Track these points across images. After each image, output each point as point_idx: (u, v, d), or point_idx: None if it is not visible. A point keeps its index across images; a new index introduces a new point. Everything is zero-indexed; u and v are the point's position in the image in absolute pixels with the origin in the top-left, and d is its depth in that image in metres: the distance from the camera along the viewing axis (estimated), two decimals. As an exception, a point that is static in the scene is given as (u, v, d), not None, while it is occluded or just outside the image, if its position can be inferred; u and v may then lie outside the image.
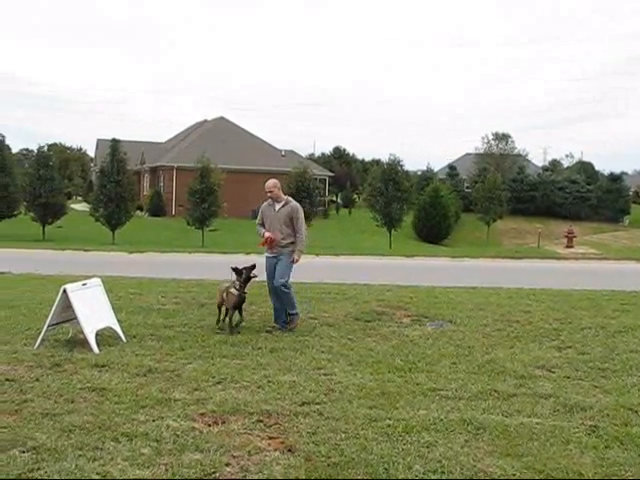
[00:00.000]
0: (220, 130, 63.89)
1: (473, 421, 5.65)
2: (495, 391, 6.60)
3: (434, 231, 52.87)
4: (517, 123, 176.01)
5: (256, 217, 10.19)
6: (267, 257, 9.81)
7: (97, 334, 8.25)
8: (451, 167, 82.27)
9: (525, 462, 4.82)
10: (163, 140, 76.79)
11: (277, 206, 9.80)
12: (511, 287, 15.17)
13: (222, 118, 67.80)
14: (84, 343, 8.08)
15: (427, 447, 5.08)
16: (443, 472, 4.64)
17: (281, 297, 9.61)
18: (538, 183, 72.17)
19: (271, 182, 9.93)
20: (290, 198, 10.03)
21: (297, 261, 9.69)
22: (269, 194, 9.85)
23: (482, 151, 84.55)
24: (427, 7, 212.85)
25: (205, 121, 71.24)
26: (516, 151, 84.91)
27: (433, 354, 8.20)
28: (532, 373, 7.36)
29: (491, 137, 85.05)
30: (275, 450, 5.00)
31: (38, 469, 4.56)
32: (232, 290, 9.36)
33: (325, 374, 7.14)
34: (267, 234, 9.65)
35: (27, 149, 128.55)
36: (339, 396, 6.36)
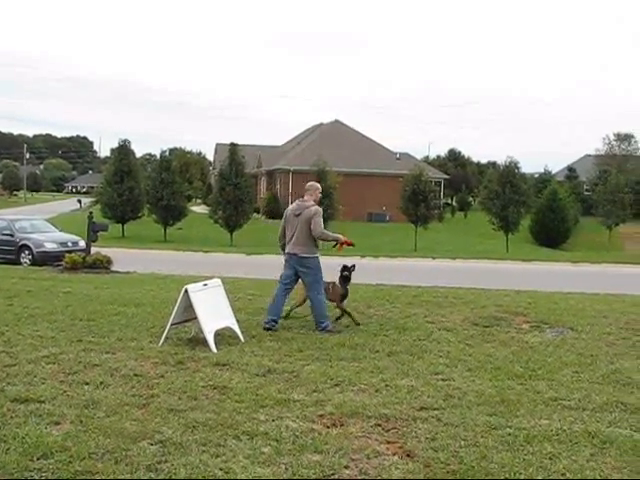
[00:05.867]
0: (335, 133, 64.34)
1: (598, 434, 5.43)
2: (622, 403, 6.33)
3: (552, 235, 51.30)
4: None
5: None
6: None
7: (217, 334, 8.46)
8: (570, 169, 79.84)
9: (657, 481, 4.60)
10: (280, 143, 78.03)
11: None
12: (636, 294, 14.55)
13: (337, 121, 68.26)
14: (205, 342, 8.31)
15: (550, 459, 4.93)
16: (567, 486, 4.50)
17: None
18: (665, 185, 68.81)
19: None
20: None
21: None
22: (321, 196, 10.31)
23: (603, 152, 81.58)
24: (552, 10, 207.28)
25: (321, 124, 71.86)
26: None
27: (554, 362, 7.96)
28: (662, 386, 7.02)
29: (613, 138, 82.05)
30: (394, 454, 4.99)
31: (165, 461, 4.73)
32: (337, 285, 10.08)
33: (443, 379, 7.06)
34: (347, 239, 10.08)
35: (150, 154, 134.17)
36: (458, 402, 6.27)
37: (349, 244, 10.08)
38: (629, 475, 4.69)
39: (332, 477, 4.59)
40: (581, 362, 7.98)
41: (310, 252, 9.76)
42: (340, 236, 10.03)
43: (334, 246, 10.18)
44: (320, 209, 9.91)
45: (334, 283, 10.15)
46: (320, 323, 9.56)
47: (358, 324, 9.86)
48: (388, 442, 5.24)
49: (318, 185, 10.30)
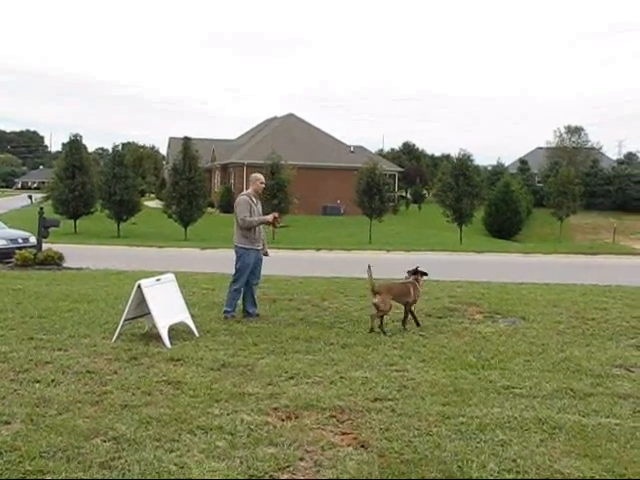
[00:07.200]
0: (289, 127, 64.22)
1: (548, 420, 5.55)
2: (571, 390, 6.47)
3: (505, 226, 52.03)
4: (590, 116, 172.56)
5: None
6: (252, 250, 9.98)
7: (171, 329, 8.41)
8: (522, 161, 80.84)
9: (604, 465, 4.70)
10: (234, 137, 77.60)
11: (257, 201, 10.24)
12: (586, 284, 14.84)
13: (291, 115, 68.11)
14: (159, 337, 8.25)
15: (501, 446, 5.02)
16: (518, 472, 4.58)
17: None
18: (613, 177, 70.28)
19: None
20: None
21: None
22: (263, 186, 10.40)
23: (554, 145, 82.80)
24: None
25: (275, 118, 71.65)
26: (589, 144, 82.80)
27: (506, 351, 8.08)
28: (610, 372, 7.18)
29: (563, 130, 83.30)
30: (348, 446, 5.02)
31: (119, 458, 4.69)
32: (418, 286, 9.79)
33: (397, 370, 7.13)
34: (274, 214, 10.20)
35: (102, 148, 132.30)
36: (412, 392, 6.34)
37: (277, 218, 10.16)
38: (577, 458, 4.79)
39: (287, 469, 4.60)
40: (532, 351, 8.13)
41: (237, 241, 10.00)
42: (267, 217, 10.13)
43: (270, 225, 10.29)
44: (242, 198, 10.02)
45: (414, 284, 9.80)
46: (226, 309, 9.99)
47: (418, 325, 9.57)
48: (343, 433, 5.28)
49: (258, 176, 10.38)
